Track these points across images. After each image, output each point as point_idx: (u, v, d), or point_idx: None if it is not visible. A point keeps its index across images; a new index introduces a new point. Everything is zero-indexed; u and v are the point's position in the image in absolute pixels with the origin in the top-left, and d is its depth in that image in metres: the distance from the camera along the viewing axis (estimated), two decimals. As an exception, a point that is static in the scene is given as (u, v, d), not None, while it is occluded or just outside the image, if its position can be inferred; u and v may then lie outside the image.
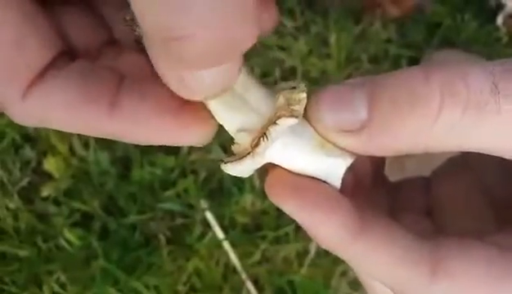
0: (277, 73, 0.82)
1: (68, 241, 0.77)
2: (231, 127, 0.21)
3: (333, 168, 0.21)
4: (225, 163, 0.21)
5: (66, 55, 0.21)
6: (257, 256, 0.77)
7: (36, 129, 0.79)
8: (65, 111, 0.19)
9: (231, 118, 0.21)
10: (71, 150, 0.79)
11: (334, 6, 0.84)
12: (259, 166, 0.22)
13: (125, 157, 0.79)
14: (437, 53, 0.83)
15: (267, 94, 0.21)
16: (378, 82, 0.20)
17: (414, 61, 0.84)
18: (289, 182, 0.21)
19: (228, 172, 0.21)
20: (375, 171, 0.28)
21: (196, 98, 0.20)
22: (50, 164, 0.77)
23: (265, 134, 0.20)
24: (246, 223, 0.78)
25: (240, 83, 0.21)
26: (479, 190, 0.27)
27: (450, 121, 0.19)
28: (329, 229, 0.20)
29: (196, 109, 0.21)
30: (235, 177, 0.27)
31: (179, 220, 0.78)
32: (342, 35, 0.82)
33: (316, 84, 0.82)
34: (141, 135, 0.20)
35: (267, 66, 0.82)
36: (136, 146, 0.79)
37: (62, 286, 0.76)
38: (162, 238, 0.77)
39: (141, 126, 0.20)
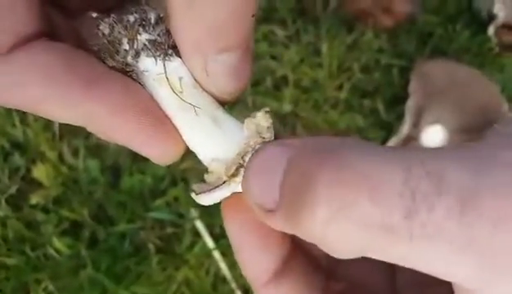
0: (268, 81, 0.81)
1: (56, 249, 0.76)
2: (204, 157, 0.22)
3: None
4: (197, 194, 0.21)
5: (49, 37, 0.21)
6: (247, 266, 0.77)
7: (25, 136, 0.78)
8: (43, 76, 0.19)
9: (205, 147, 0.21)
10: (60, 158, 0.78)
11: (325, 16, 0.84)
12: (230, 194, 0.22)
13: (115, 165, 0.79)
14: (429, 63, 0.83)
15: (237, 123, 0.22)
16: (292, 158, 0.18)
17: (405, 71, 0.84)
18: (242, 208, 0.22)
19: (201, 203, 0.21)
20: None
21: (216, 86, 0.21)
22: (39, 172, 0.77)
23: (242, 164, 0.20)
24: (236, 232, 0.78)
25: (212, 115, 0.21)
26: None
27: (344, 235, 0.16)
28: (250, 264, 0.22)
29: (170, 129, 0.21)
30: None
31: (169, 229, 0.78)
32: (334, 44, 0.83)
33: (307, 93, 0.82)
34: (110, 123, 0.20)
35: (258, 75, 0.81)
36: (127, 154, 0.78)
37: (50, 295, 0.75)
38: (151, 247, 0.77)
39: (114, 113, 0.20)
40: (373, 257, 0.17)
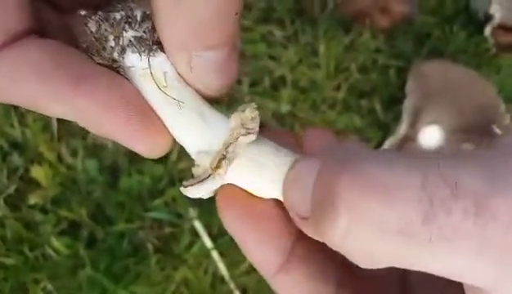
0: (266, 82, 0.82)
1: (55, 249, 0.76)
2: (191, 149, 0.22)
3: None
4: (185, 187, 0.22)
5: (39, 34, 0.21)
6: (245, 266, 0.77)
7: (24, 136, 0.78)
8: (34, 73, 0.19)
9: (192, 140, 0.22)
10: (59, 158, 0.78)
11: (323, 16, 0.85)
12: (219, 187, 0.22)
13: (113, 165, 0.79)
14: (426, 63, 0.83)
15: (223, 117, 0.22)
16: (320, 171, 0.19)
17: (402, 71, 0.85)
18: (238, 199, 0.22)
19: (189, 196, 0.22)
20: None
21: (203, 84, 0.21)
22: (37, 172, 0.77)
23: (225, 155, 0.21)
24: (235, 232, 0.78)
25: (196, 109, 0.21)
26: None
27: (363, 244, 0.17)
28: (256, 257, 0.22)
29: (157, 123, 0.21)
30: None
31: (167, 229, 0.78)
32: (331, 45, 0.83)
33: (305, 93, 0.83)
34: (98, 119, 0.20)
35: (256, 75, 0.82)
36: (125, 155, 0.78)
37: (49, 294, 0.75)
38: (150, 246, 0.77)
39: (102, 108, 0.20)
40: (395, 266, 0.17)
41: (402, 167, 0.16)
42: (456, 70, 0.83)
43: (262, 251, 0.22)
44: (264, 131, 0.23)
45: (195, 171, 0.22)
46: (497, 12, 0.86)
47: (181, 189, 0.22)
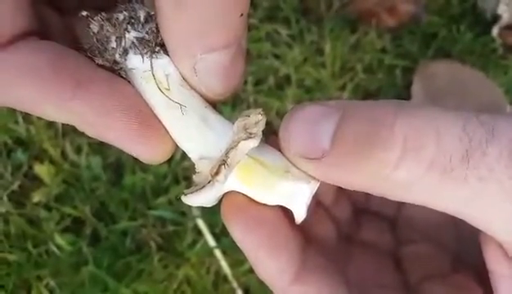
0: (271, 81, 0.81)
1: (58, 246, 0.76)
2: (193, 155, 0.21)
3: (297, 193, 0.21)
4: (185, 195, 0.21)
5: (40, 36, 0.20)
6: (248, 265, 0.77)
7: (28, 133, 0.79)
8: (31, 77, 0.19)
9: (193, 146, 0.21)
10: (63, 155, 0.78)
11: (329, 15, 0.84)
12: (221, 194, 0.21)
13: (117, 162, 0.79)
14: (432, 63, 0.82)
15: (227, 122, 0.22)
16: (349, 111, 0.19)
17: (408, 71, 0.84)
18: (244, 210, 0.21)
19: (189, 204, 0.21)
20: (338, 189, 0.28)
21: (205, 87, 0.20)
22: (41, 169, 0.77)
23: (225, 161, 0.20)
24: (238, 231, 0.77)
25: (199, 113, 0.21)
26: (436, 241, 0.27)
27: (410, 175, 0.18)
28: (268, 269, 0.21)
29: (158, 127, 0.21)
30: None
31: (170, 227, 0.78)
32: (337, 44, 0.82)
33: (310, 93, 0.82)
34: (97, 124, 0.20)
35: (261, 74, 0.81)
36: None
37: (51, 291, 0.75)
38: (153, 244, 0.77)
39: (100, 113, 0.19)
40: (431, 205, 0.18)
41: (446, 114, 0.18)
42: (463, 71, 0.82)
43: (275, 260, 0.21)
44: (270, 135, 0.22)
45: (195, 178, 0.21)
46: (505, 12, 0.85)
47: (182, 197, 0.21)
